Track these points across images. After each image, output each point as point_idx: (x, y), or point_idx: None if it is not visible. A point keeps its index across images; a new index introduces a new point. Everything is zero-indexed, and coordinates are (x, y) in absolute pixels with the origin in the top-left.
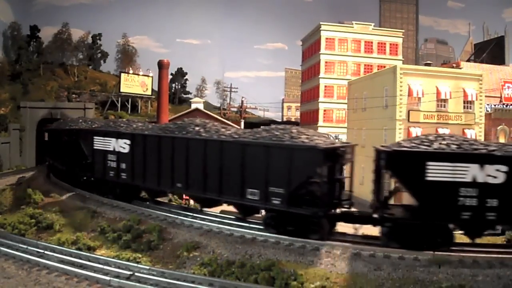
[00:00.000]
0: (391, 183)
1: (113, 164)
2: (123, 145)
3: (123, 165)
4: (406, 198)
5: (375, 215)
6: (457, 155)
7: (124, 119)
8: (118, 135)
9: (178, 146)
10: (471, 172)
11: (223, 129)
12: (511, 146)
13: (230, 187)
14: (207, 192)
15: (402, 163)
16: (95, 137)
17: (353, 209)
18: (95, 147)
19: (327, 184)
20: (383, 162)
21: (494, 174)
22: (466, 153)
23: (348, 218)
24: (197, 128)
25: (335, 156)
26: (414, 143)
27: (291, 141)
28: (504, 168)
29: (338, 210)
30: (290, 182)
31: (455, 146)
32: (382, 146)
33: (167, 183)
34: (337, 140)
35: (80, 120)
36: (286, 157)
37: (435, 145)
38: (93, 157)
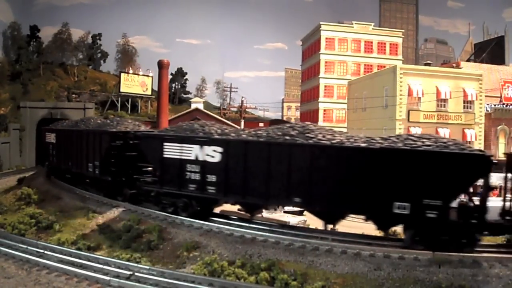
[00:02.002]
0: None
1: (51, 152)
2: (54, 138)
3: (54, 152)
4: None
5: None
6: (182, 137)
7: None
8: (52, 131)
9: (71, 137)
10: (194, 151)
11: (98, 122)
12: (242, 132)
13: (83, 163)
14: (79, 168)
15: (148, 144)
16: (46, 133)
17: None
18: (46, 141)
19: (116, 158)
20: (140, 144)
21: (212, 154)
22: (188, 136)
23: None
24: (82, 123)
25: (126, 139)
26: (169, 129)
27: (103, 128)
28: (219, 149)
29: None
30: (101, 157)
31: (189, 132)
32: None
33: (67, 164)
34: (143, 128)
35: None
36: (98, 139)
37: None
38: (46, 149)
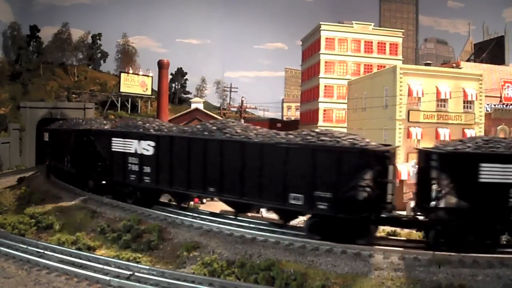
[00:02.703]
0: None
1: (46, 150)
2: (47, 137)
3: (48, 150)
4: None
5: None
6: (125, 133)
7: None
8: (46, 131)
9: (56, 136)
10: (134, 145)
11: (79, 122)
12: (175, 128)
13: (62, 159)
14: (61, 164)
15: (101, 139)
16: (44, 133)
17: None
18: (44, 140)
19: (79, 153)
20: (95, 140)
21: (147, 147)
22: (130, 132)
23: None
24: (66, 123)
25: (89, 136)
26: (118, 126)
27: (71, 127)
28: (152, 143)
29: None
30: (70, 152)
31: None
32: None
33: (55, 160)
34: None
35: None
36: (68, 137)
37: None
38: (44, 148)
